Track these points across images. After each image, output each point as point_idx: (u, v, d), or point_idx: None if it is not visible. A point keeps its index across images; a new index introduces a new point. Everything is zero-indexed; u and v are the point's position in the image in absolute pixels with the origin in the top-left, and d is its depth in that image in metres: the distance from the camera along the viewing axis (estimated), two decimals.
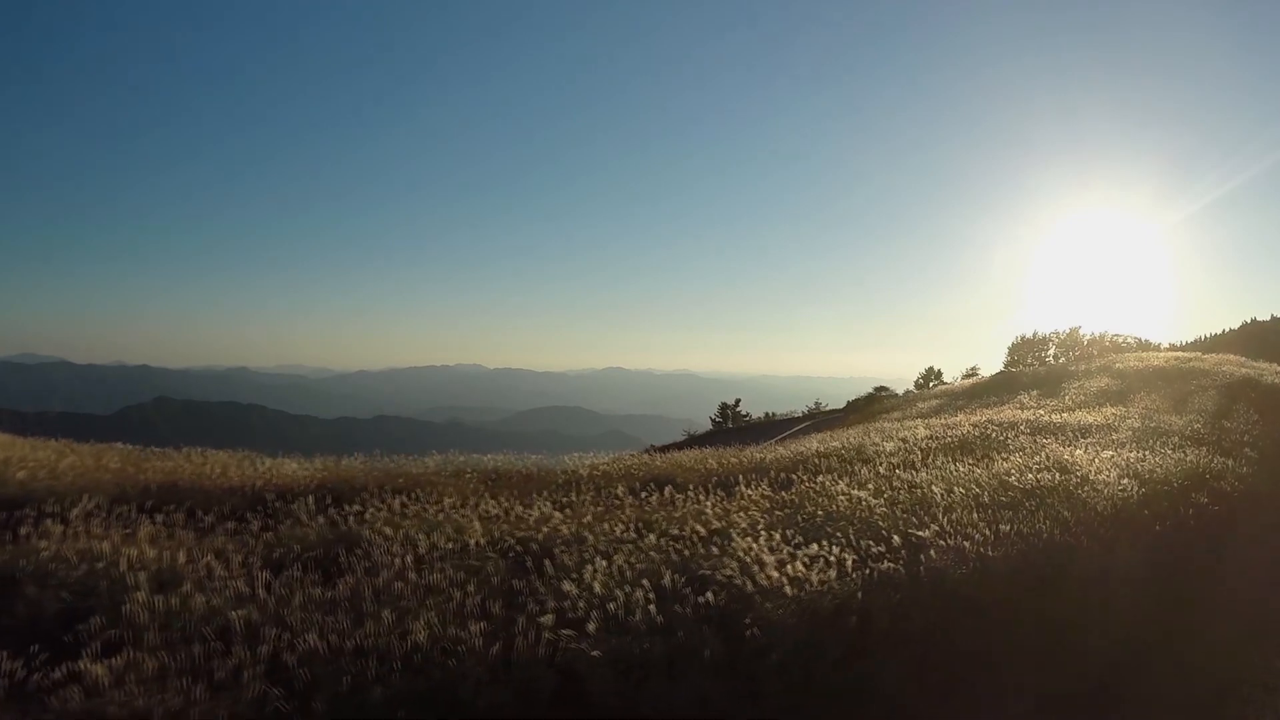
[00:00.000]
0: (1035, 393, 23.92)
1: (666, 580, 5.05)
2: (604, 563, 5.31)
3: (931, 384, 42.86)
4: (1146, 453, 11.31)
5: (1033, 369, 32.55)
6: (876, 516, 6.46)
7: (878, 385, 45.88)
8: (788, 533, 5.95)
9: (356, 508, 7.43)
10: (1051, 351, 34.80)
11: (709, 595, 4.91)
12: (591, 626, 4.53)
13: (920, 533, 6.07)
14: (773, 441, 23.11)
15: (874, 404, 37.56)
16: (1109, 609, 6.78)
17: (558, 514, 6.73)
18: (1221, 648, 7.21)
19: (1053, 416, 15.97)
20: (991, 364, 38.88)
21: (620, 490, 7.83)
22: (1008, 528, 6.58)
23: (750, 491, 7.47)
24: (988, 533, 6.40)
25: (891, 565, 5.60)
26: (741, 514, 6.49)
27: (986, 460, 9.66)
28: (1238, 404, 19.17)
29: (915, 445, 11.86)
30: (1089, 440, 12.40)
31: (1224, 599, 8.12)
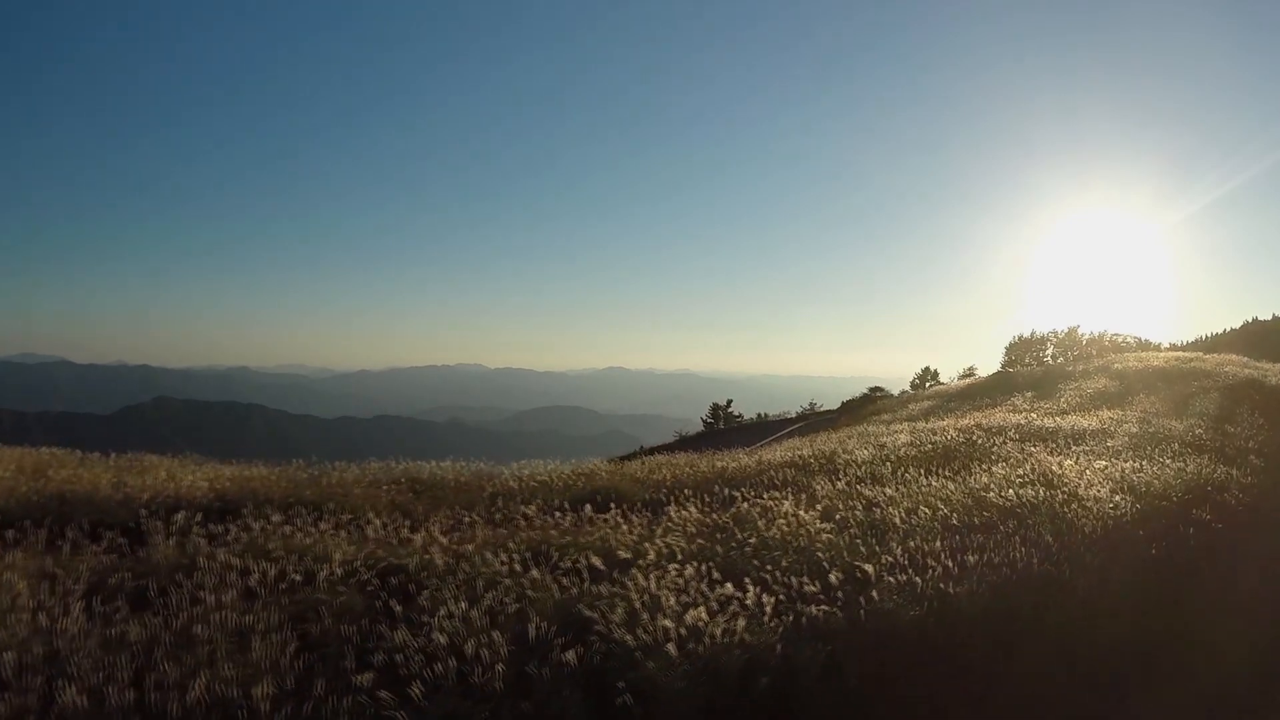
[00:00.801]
0: (1030, 394, 22.94)
1: (534, 628, 4.06)
2: (464, 605, 4.32)
3: (928, 384, 41.92)
4: (1144, 462, 10.29)
5: (1030, 369, 31.55)
6: (818, 545, 5.45)
7: (873, 386, 44.95)
8: (705, 566, 4.94)
9: (223, 527, 6.48)
10: (1049, 351, 33.76)
11: (580, 650, 3.91)
12: (417, 689, 3.54)
13: (866, 566, 5.05)
14: (758, 445, 22.16)
15: (868, 405, 36.70)
16: (1095, 652, 5.76)
17: (442, 538, 5.74)
18: (1226, 696, 6.19)
19: (1045, 421, 14.94)
20: (990, 364, 37.91)
21: (533, 509, 6.83)
22: (976, 557, 5.56)
23: (682, 512, 6.46)
24: (951, 564, 5.38)
25: (825, 608, 4.59)
26: (659, 541, 5.48)
27: (965, 472, 8.63)
28: (1241, 407, 18.17)
29: (892, 453, 10.85)
30: (1082, 448, 11.38)
31: (1227, 633, 7.10)
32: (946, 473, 8.72)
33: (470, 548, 5.55)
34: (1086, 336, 33.54)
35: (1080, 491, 7.82)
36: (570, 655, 3.83)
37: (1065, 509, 7.24)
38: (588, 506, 6.66)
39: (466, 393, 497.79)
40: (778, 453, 11.56)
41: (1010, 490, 7.56)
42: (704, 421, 45.73)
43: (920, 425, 16.13)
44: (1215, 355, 26.73)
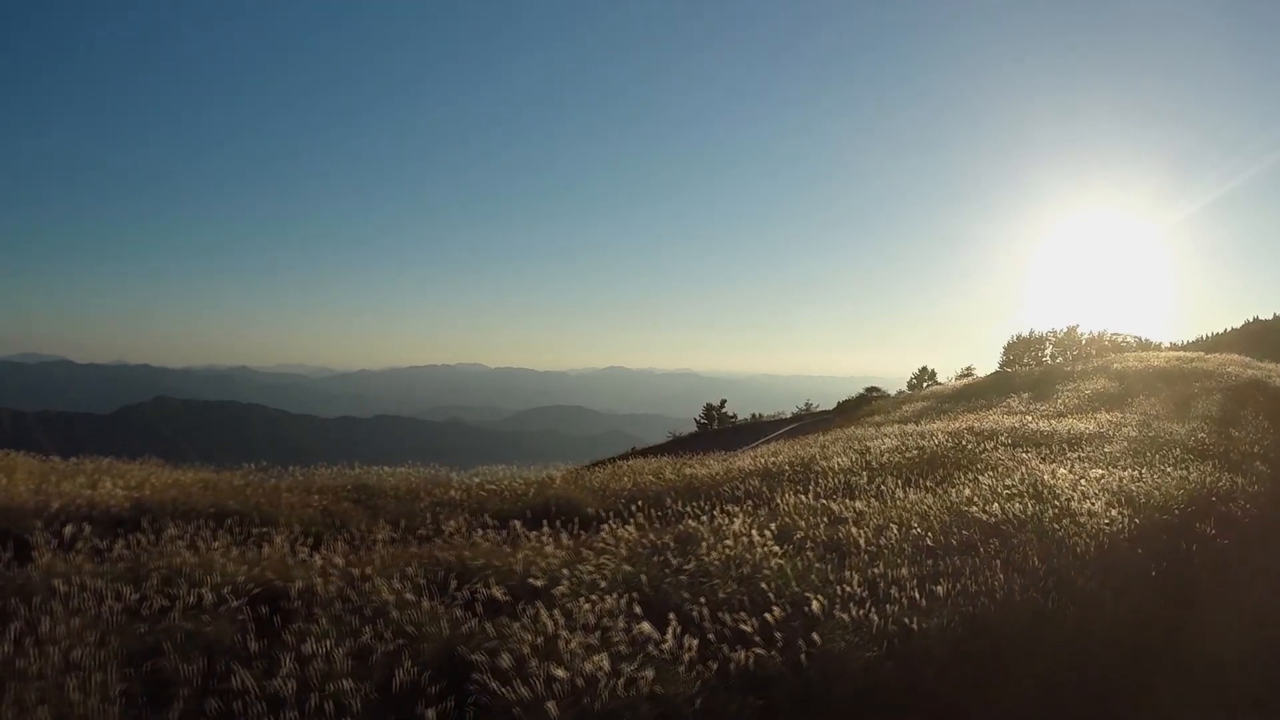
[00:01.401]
0: (1027, 395, 22.24)
1: (402, 673, 3.35)
2: (330, 643, 3.62)
3: (925, 385, 41.19)
4: (1144, 470, 9.56)
5: (1028, 369, 30.82)
6: (765, 572, 4.72)
7: (869, 386, 44.22)
8: (628, 598, 4.22)
9: (111, 542, 5.80)
10: (1048, 351, 32.98)
11: (450, 703, 3.20)
12: None
13: (816, 599, 4.33)
14: (747, 447, 21.50)
15: (863, 405, 36.05)
16: (1087, 691, 5.05)
17: (340, 559, 5.04)
18: None
19: (1040, 424, 14.21)
20: (990, 364, 37.13)
21: (459, 523, 6.12)
22: (949, 585, 4.83)
23: (620, 530, 5.72)
24: (918, 594, 4.65)
25: (760, 651, 3.87)
26: (587, 565, 4.76)
27: (948, 483, 7.90)
28: (1245, 409, 17.46)
29: (873, 460, 10.13)
30: (1077, 454, 10.65)
31: (1235, 661, 6.37)
32: (928, 483, 8.00)
33: (369, 570, 4.85)
34: (1086, 336, 32.76)
35: (1073, 505, 7.08)
36: (432, 713, 3.13)
37: (1056, 525, 6.51)
38: (517, 523, 5.95)
39: (467, 392, 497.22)
40: (755, 458, 10.85)
41: (995, 504, 6.83)
42: (698, 422, 44.95)
43: (910, 428, 15.41)
44: (1217, 355, 26.06)
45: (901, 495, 7.15)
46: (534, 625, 3.81)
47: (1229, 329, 45.47)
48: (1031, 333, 34.22)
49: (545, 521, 6.48)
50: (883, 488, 7.56)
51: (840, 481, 8.09)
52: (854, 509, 6.35)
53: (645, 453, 25.04)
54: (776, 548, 5.15)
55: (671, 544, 5.34)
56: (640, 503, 7.22)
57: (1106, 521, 6.77)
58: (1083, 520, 6.77)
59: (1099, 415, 15.97)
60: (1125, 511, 7.27)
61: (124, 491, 8.36)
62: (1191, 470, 9.98)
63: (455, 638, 3.85)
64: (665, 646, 3.71)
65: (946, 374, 41.75)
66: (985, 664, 4.57)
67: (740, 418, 45.05)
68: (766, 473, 8.99)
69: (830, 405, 43.63)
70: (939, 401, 25.99)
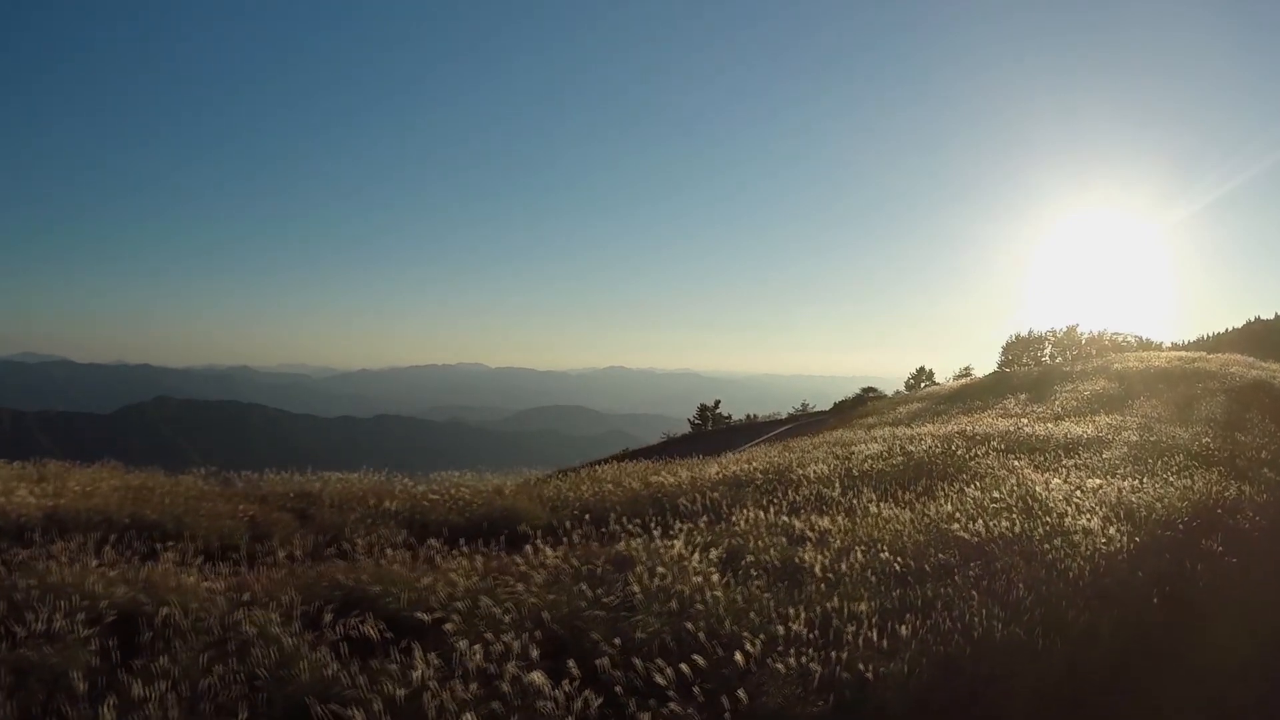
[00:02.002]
0: (1024, 397, 21.55)
1: None
2: (164, 685, 2.98)
3: (922, 385, 40.50)
4: (1144, 479, 8.87)
5: (1026, 370, 30.10)
6: (698, 607, 4.03)
7: (866, 386, 43.52)
8: (530, 638, 3.54)
9: None
10: (1047, 351, 32.24)
11: None
12: None
13: (753, 641, 3.63)
14: (738, 449, 20.83)
15: (859, 406, 35.40)
16: None
17: (221, 583, 4.39)
18: None
19: (1036, 427, 13.51)
20: (989, 364, 36.41)
21: (374, 539, 5.47)
22: (913, 624, 4.13)
23: (546, 552, 5.03)
24: (876, 635, 3.96)
25: (675, 708, 3.18)
26: (489, 597, 4.07)
27: (930, 495, 7.20)
28: (1251, 411, 16.77)
29: (855, 467, 9.45)
30: (1073, 461, 9.95)
31: (1244, 700, 5.68)
32: (909, 495, 7.30)
33: (247, 596, 4.19)
34: (1086, 336, 32.01)
35: (1067, 521, 6.38)
36: None
37: (1046, 546, 5.81)
38: (434, 540, 5.28)
39: (467, 392, 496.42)
40: (727, 465, 10.15)
41: (980, 521, 6.13)
42: (691, 423, 44.19)
43: (901, 431, 14.73)
44: (1219, 355, 25.37)
45: (876, 510, 6.44)
46: (403, 674, 3.14)
47: (1230, 329, 44.79)
48: (1030, 332, 33.51)
49: (480, 538, 5.84)
50: (856, 501, 6.86)
51: (812, 493, 7.39)
52: (819, 527, 5.64)
53: (636, 454, 24.43)
54: (717, 575, 4.45)
55: (602, 568, 4.65)
56: (589, 516, 6.54)
57: (1104, 541, 6.07)
58: (1077, 539, 6.07)
59: (1098, 418, 15.28)
60: (1124, 528, 6.57)
61: (37, 500, 7.75)
62: (1196, 478, 9.29)
63: (313, 684, 3.18)
64: (554, 701, 3.02)
65: (945, 374, 41.12)
66: (956, 716, 3.88)
67: (735, 418, 44.32)
68: (736, 482, 8.30)
69: (829, 406, 42.94)
70: (935, 403, 25.35)
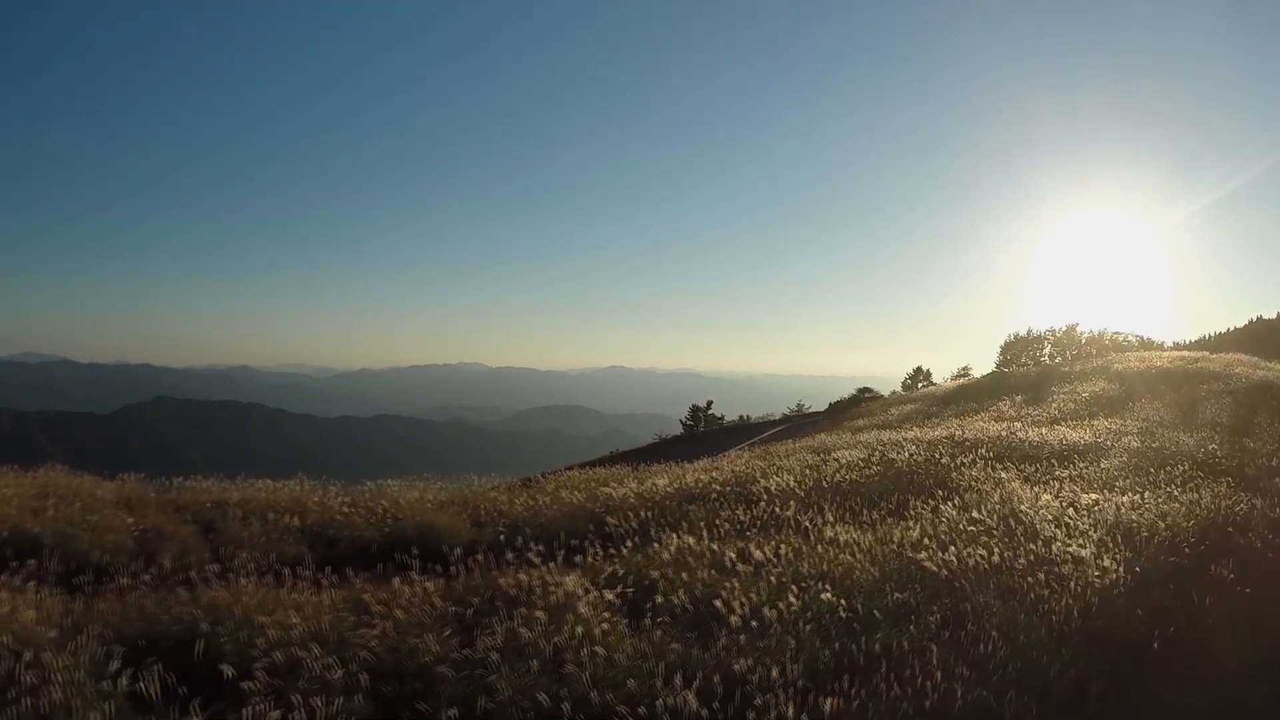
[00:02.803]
0: (1020, 398, 20.65)
1: None
2: None
3: (919, 385, 39.65)
4: (1145, 492, 7.98)
5: (1025, 370, 29.21)
6: (570, 668, 3.14)
7: (862, 386, 42.69)
8: (352, 704, 2.67)
9: None
10: (1047, 351, 31.35)
11: None
12: None
13: (626, 716, 2.75)
14: (728, 450, 19.99)
15: (853, 407, 34.57)
16: None
17: (32, 612, 3.57)
18: None
19: (1030, 432, 12.61)
20: (988, 364, 35.53)
21: (239, 562, 4.57)
22: (843, 695, 3.24)
23: (422, 584, 4.14)
24: (790, 709, 3.07)
25: None
26: (318, 646, 3.20)
27: (899, 515, 6.31)
28: (1258, 415, 15.82)
29: (826, 478, 8.56)
30: (1068, 472, 9.05)
31: None
32: (877, 513, 6.41)
33: (53, 632, 3.34)
34: (1086, 335, 31.10)
35: (1055, 549, 5.48)
36: None
37: (1029, 580, 4.92)
38: (287, 571, 4.41)
39: (467, 392, 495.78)
40: (689, 474, 9.26)
41: (953, 548, 5.24)
42: (683, 424, 43.34)
43: (887, 436, 13.82)
44: (1222, 355, 24.42)
45: (833, 533, 5.55)
46: None
47: (1232, 328, 43.91)
48: (1030, 332, 32.63)
49: (390, 558, 5.02)
50: (814, 522, 5.95)
51: (764, 511, 6.50)
52: (754, 558, 4.74)
53: (625, 456, 23.65)
54: (608, 623, 3.56)
55: (477, 606, 3.77)
56: (504, 536, 5.67)
57: (1097, 573, 5.17)
58: (1066, 570, 5.17)
59: (1096, 421, 14.38)
60: (1122, 554, 5.67)
61: None
62: (1203, 491, 8.39)
63: None
64: None
65: (943, 374, 40.27)
66: None
67: (729, 419, 43.46)
68: (688, 495, 7.42)
69: (826, 405, 42.11)
70: (929, 404, 24.49)
